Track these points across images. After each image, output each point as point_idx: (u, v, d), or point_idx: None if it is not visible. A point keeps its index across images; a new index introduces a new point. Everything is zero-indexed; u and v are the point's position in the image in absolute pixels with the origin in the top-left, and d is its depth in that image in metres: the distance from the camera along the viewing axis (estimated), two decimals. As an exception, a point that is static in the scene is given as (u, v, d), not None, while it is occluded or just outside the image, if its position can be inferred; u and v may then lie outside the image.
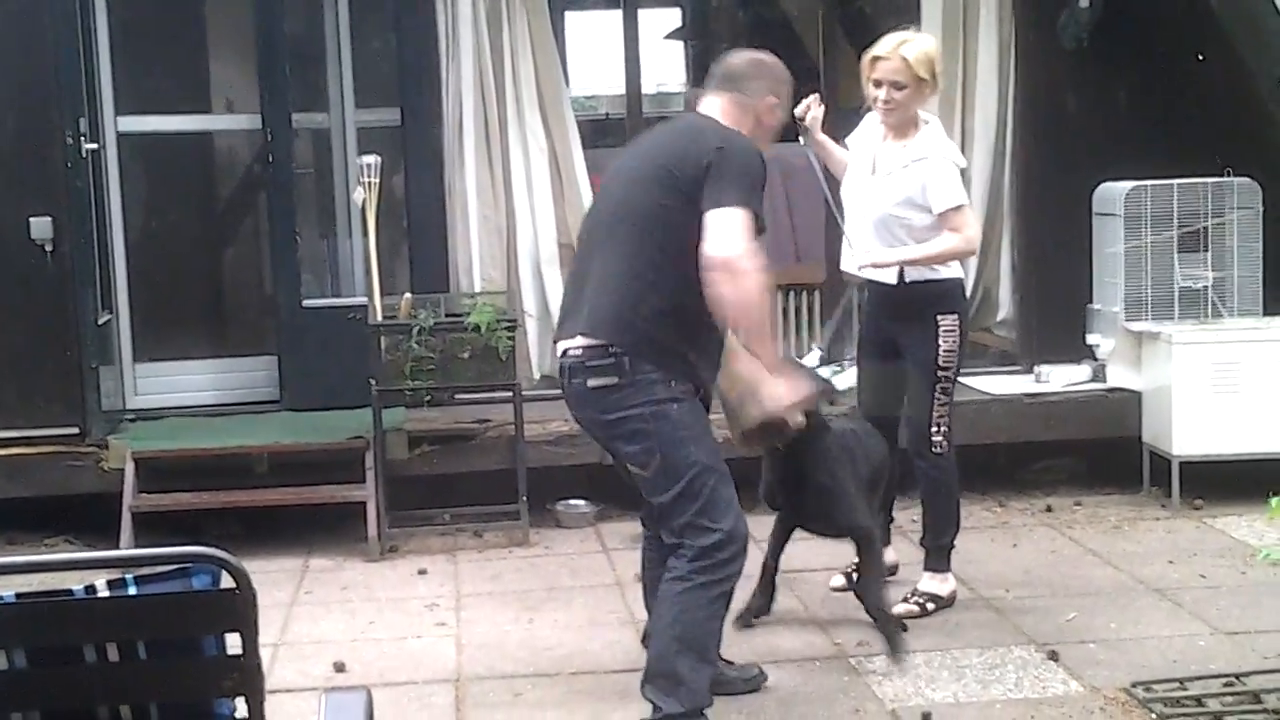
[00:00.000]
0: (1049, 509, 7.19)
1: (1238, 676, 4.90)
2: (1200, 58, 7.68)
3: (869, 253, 5.59)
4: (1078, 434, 7.44)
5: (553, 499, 7.24)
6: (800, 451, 5.14)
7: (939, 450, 5.70)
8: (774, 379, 4.61)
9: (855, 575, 5.90)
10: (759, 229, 4.39)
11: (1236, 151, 7.52)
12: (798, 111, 5.65)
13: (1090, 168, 7.58)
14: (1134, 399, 7.36)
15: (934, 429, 5.67)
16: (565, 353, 4.55)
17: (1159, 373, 7.17)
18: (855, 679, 5.10)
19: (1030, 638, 5.44)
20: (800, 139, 5.93)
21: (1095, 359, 7.59)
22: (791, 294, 8.18)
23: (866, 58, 5.58)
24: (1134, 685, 4.88)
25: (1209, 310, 7.41)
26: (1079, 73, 7.72)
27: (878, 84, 5.52)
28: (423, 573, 6.52)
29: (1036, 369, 7.64)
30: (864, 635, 5.47)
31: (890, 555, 6.01)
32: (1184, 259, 7.43)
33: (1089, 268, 7.62)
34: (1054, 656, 5.22)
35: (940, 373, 5.62)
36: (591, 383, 4.46)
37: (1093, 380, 7.54)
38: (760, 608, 5.60)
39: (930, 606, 5.74)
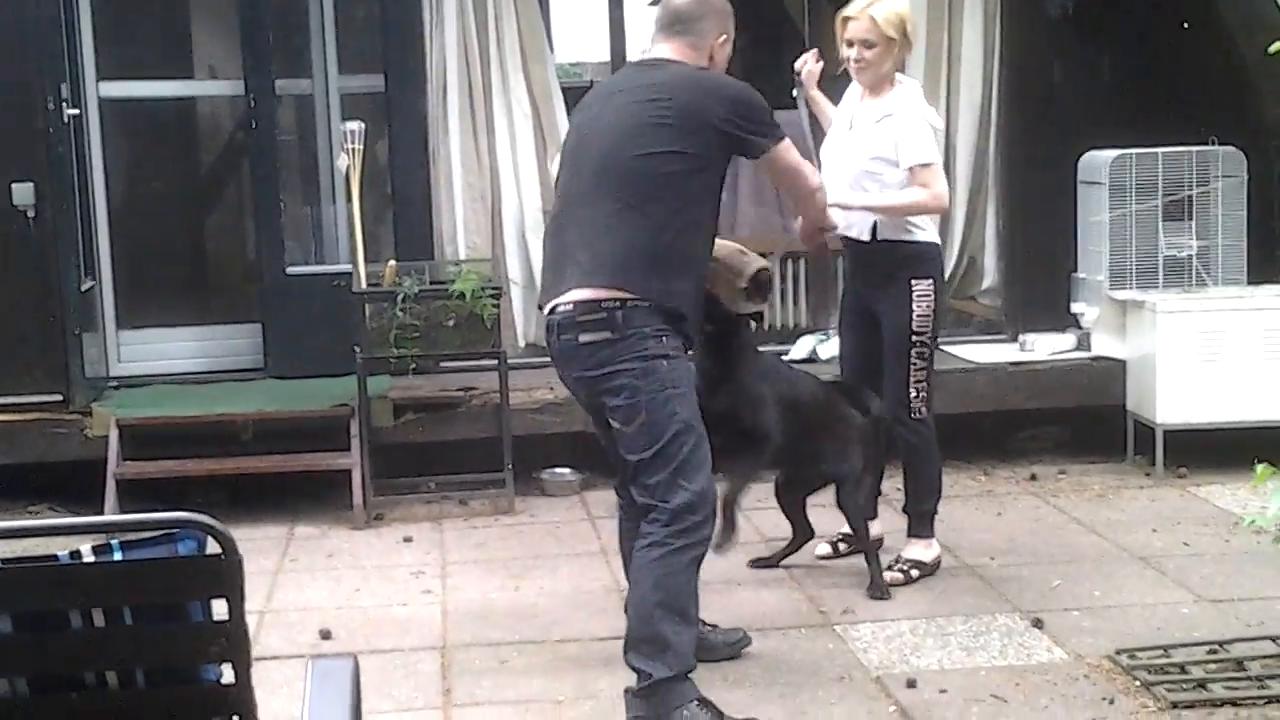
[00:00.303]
0: (1033, 477, 7.21)
1: (1221, 644, 4.91)
2: (1185, 25, 7.67)
3: (837, 193, 5.58)
4: (1062, 402, 7.46)
5: (538, 467, 7.24)
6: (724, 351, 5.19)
7: (917, 416, 5.71)
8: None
9: (842, 544, 5.93)
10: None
11: (1221, 120, 7.52)
12: (796, 65, 5.82)
13: (1075, 136, 7.58)
14: (1118, 367, 7.37)
15: (912, 394, 5.68)
16: (554, 309, 4.52)
17: (1143, 341, 7.18)
18: (841, 646, 5.11)
19: (1015, 605, 5.45)
20: (794, 92, 5.97)
21: (1080, 327, 7.60)
22: (777, 263, 8.15)
23: (839, 18, 5.67)
24: (1118, 652, 4.89)
25: (1193, 279, 7.42)
26: (1064, 40, 7.72)
27: (849, 44, 5.60)
28: (408, 540, 6.52)
29: (1021, 337, 7.65)
30: (849, 603, 5.48)
31: (876, 527, 6.03)
32: (1169, 227, 7.43)
33: (1074, 236, 7.62)
34: (1039, 624, 5.23)
35: (915, 338, 5.63)
36: (583, 338, 4.44)
37: (1077, 349, 7.56)
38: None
39: (915, 574, 5.75)
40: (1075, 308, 7.63)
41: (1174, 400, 7.04)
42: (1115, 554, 6.05)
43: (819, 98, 5.93)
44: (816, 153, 5.85)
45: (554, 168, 5.12)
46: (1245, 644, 4.90)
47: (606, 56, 8.21)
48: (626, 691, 4.51)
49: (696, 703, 4.43)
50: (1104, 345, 7.47)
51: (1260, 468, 4.40)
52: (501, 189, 7.73)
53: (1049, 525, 6.48)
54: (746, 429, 5.22)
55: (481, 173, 7.71)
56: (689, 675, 4.46)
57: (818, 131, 5.97)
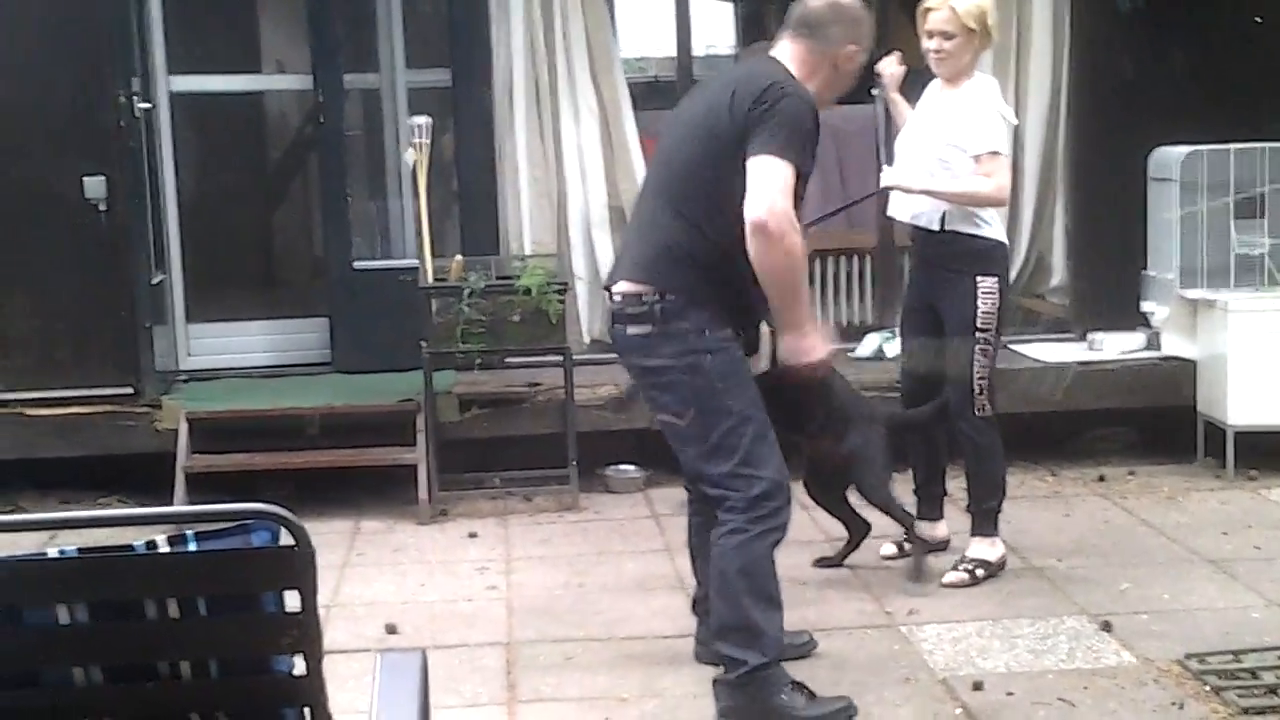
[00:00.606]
0: (1102, 478, 7.14)
1: (1293, 648, 4.86)
2: (1258, 20, 7.58)
3: (898, 175, 5.61)
4: (1131, 403, 7.38)
5: (602, 463, 7.24)
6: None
7: (981, 413, 5.69)
8: (796, 335, 4.50)
9: (907, 544, 5.90)
10: (800, 186, 4.34)
11: (1295, 117, 7.43)
12: (878, 66, 5.82)
13: (1145, 132, 7.50)
14: (1188, 367, 7.29)
15: (976, 390, 5.67)
16: (612, 298, 4.58)
17: (1214, 341, 7.10)
18: (906, 647, 5.09)
19: (1083, 608, 5.41)
20: (873, 91, 6.02)
21: (1149, 326, 7.52)
22: (843, 260, 8.14)
23: (920, 9, 5.67)
24: (1188, 657, 4.85)
25: (1265, 278, 7.32)
26: (1135, 35, 7.64)
27: (929, 35, 5.61)
28: (473, 536, 6.54)
29: (1090, 336, 7.58)
30: (915, 604, 5.45)
31: (941, 529, 6.01)
32: (1240, 225, 7.33)
33: (1144, 234, 7.54)
34: (1107, 627, 5.19)
35: (980, 334, 5.62)
36: (630, 330, 4.49)
37: (1147, 348, 7.48)
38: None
39: (980, 573, 5.72)
40: (1145, 306, 7.56)
41: (1245, 401, 6.96)
42: (1185, 557, 5.98)
43: (898, 99, 5.95)
44: (889, 149, 5.84)
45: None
46: (1318, 649, 4.85)
47: (673, 51, 8.20)
48: (716, 682, 4.51)
49: (791, 686, 4.45)
50: (1174, 345, 7.40)
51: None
52: (567, 185, 7.73)
53: (1117, 527, 6.42)
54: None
55: (547, 168, 7.72)
56: (780, 661, 4.47)
57: (893, 131, 5.97)
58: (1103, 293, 7.76)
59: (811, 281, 4.92)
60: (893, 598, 5.53)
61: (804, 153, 4.34)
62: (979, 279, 5.60)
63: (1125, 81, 7.67)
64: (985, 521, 5.82)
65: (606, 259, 7.71)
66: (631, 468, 7.25)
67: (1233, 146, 7.27)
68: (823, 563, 5.92)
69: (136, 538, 2.65)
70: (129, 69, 7.07)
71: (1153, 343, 7.48)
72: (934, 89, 5.78)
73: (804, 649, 5.01)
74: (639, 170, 7.74)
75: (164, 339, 7.46)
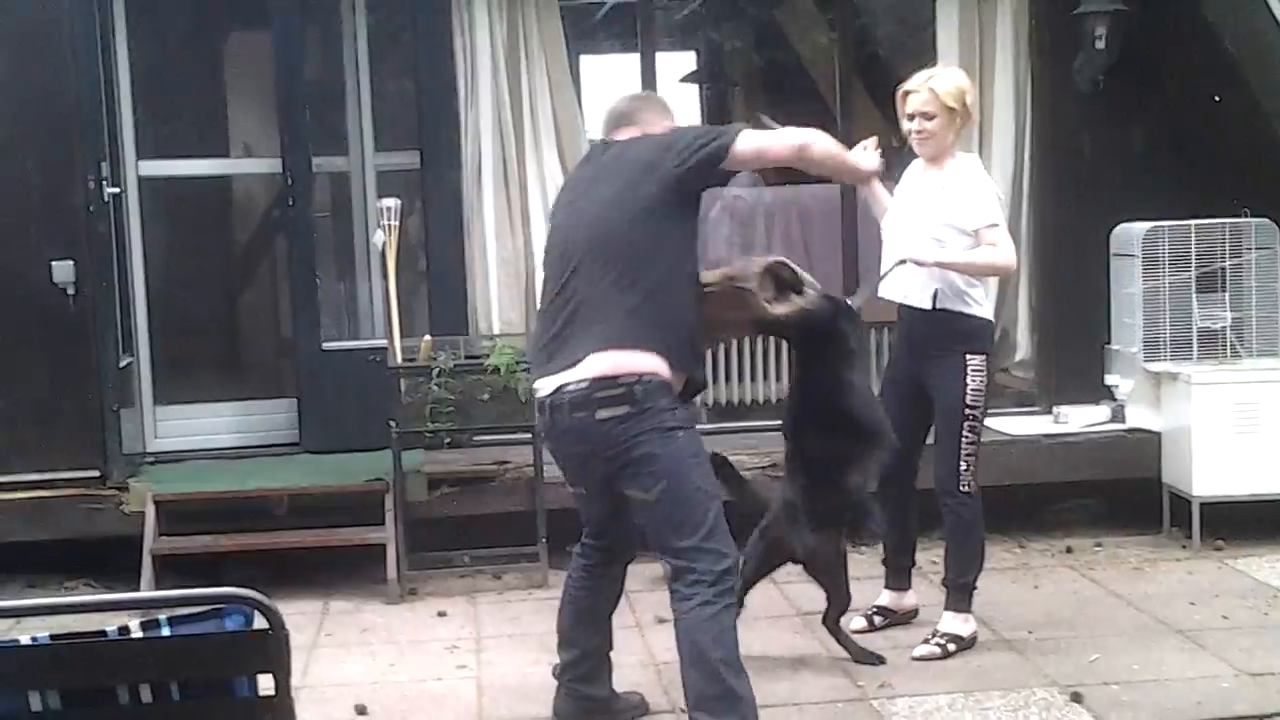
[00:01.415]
0: (1069, 550, 7.18)
1: (1262, 718, 4.88)
2: (1216, 99, 7.70)
3: (912, 250, 5.65)
4: (1097, 474, 7.43)
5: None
6: None
7: (966, 489, 5.73)
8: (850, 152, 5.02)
9: (877, 618, 5.91)
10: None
11: (1253, 192, 7.54)
12: (856, 150, 5.76)
13: (1107, 208, 7.60)
14: (1153, 439, 7.35)
15: (962, 466, 5.71)
16: (561, 388, 4.56)
17: (1178, 413, 7.17)
18: (878, 721, 5.09)
19: (1053, 679, 5.42)
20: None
21: (1114, 399, 7.59)
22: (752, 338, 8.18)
23: (899, 93, 5.77)
24: (1159, 727, 4.87)
25: (1227, 351, 7.41)
26: (1095, 114, 7.75)
27: (910, 117, 5.70)
28: (442, 615, 6.52)
29: (1055, 409, 7.64)
30: (886, 677, 5.46)
31: (910, 599, 6.03)
32: (1202, 299, 7.43)
33: (1107, 308, 7.63)
34: (1077, 698, 5.20)
35: (968, 411, 5.67)
36: (600, 414, 4.51)
37: (1112, 421, 7.55)
38: None
39: (951, 647, 5.74)
40: (1109, 380, 7.63)
41: (1210, 472, 7.01)
42: (1153, 627, 6.01)
43: (876, 187, 5.94)
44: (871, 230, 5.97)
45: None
46: (1287, 718, 4.87)
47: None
48: None
49: None
50: (1139, 417, 7.46)
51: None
52: (535, 264, 7.75)
53: (1086, 598, 6.45)
54: (864, 427, 5.31)
55: (516, 248, 7.76)
56: None
57: (875, 215, 6.03)
58: (1067, 366, 7.83)
59: (766, 292, 4.92)
60: (864, 672, 5.54)
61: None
62: (968, 357, 5.66)
63: (1086, 159, 7.78)
64: (960, 596, 5.84)
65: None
66: (601, 545, 7.23)
67: (1193, 222, 7.37)
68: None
69: (107, 622, 2.65)
70: (98, 153, 7.09)
71: (1118, 415, 7.54)
72: (916, 170, 5.86)
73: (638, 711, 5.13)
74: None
75: (131, 421, 7.44)
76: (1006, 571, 6.84)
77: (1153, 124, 7.69)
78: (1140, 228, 7.39)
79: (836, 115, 8.20)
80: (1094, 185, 7.71)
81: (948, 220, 5.63)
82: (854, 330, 5.33)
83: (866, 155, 5.13)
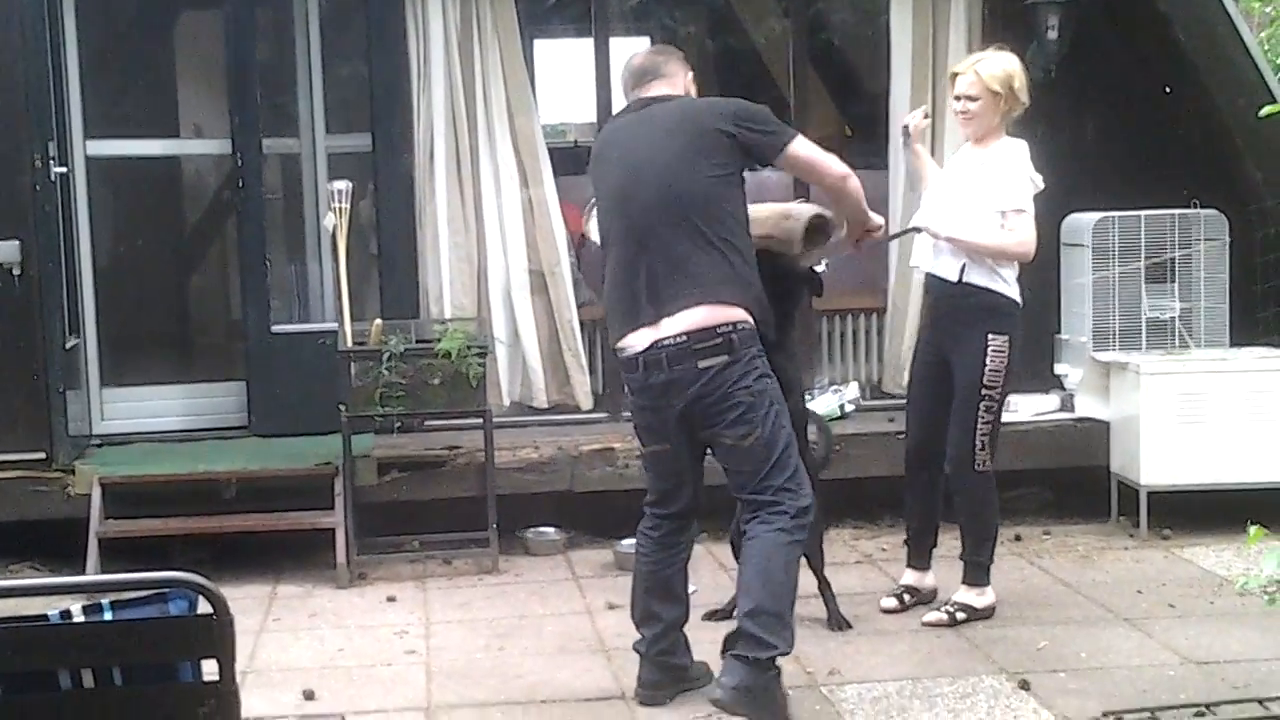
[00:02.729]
0: (1018, 538, 7.21)
1: (1208, 706, 4.90)
2: (1168, 90, 7.74)
3: (928, 221, 5.87)
4: (1046, 463, 7.47)
5: (522, 526, 7.22)
6: None
7: (980, 468, 5.87)
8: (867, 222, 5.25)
9: (906, 596, 6.07)
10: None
11: (1203, 183, 7.59)
12: (905, 119, 6.21)
13: (1058, 198, 7.56)
14: (1102, 429, 7.40)
15: (977, 445, 5.84)
16: (655, 344, 4.74)
17: (1127, 403, 7.21)
18: (827, 707, 5.10)
19: (1001, 666, 5.44)
20: (903, 140, 6.31)
21: (1063, 389, 7.63)
22: (837, 319, 8.33)
23: (949, 74, 6.07)
24: (1105, 714, 4.88)
25: (1176, 341, 7.46)
26: (1047, 104, 7.73)
27: (957, 98, 5.90)
28: (392, 600, 6.49)
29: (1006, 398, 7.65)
30: (835, 663, 5.47)
31: (929, 579, 6.19)
32: (1151, 290, 7.49)
33: (1057, 298, 7.66)
34: (1025, 685, 5.23)
35: (985, 390, 5.79)
36: (702, 364, 4.71)
37: (1061, 410, 7.58)
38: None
39: (961, 616, 5.90)
40: (1059, 369, 7.66)
41: (1157, 462, 7.06)
42: (1101, 615, 6.05)
43: (921, 151, 6.22)
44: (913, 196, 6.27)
45: (592, 225, 5.30)
46: (1232, 706, 4.89)
47: (592, 117, 8.24)
48: (735, 657, 4.70)
49: None
50: (1088, 406, 7.50)
51: (1254, 529, 4.40)
52: (488, 248, 7.74)
53: (1034, 586, 6.48)
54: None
55: (468, 232, 7.73)
56: None
57: (917, 182, 6.24)
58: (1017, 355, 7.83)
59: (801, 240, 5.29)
60: (814, 658, 5.55)
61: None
62: (990, 336, 5.78)
63: (1037, 149, 7.75)
64: (977, 572, 6.00)
65: (527, 322, 7.74)
66: (551, 530, 7.24)
67: (1143, 213, 7.42)
68: (714, 615, 5.91)
69: (50, 606, 2.62)
70: (45, 132, 7.00)
71: (1067, 405, 7.58)
72: (964, 149, 6.04)
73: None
74: (559, 234, 7.79)
75: (78, 403, 7.37)
76: (956, 560, 6.84)
77: (1104, 114, 7.73)
78: (1090, 218, 7.43)
79: (790, 102, 8.20)
80: (1044, 174, 7.71)
81: (978, 198, 5.79)
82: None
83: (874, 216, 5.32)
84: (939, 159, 7.90)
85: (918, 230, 6.00)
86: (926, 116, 6.21)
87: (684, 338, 4.71)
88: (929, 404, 5.99)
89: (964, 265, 5.79)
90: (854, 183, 5.08)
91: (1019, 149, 5.92)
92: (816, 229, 5.27)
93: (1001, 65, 5.87)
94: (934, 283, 5.97)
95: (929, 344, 6.06)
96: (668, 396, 4.80)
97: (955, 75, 5.96)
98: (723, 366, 4.70)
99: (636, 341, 4.79)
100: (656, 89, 4.99)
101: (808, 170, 5.09)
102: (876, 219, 5.33)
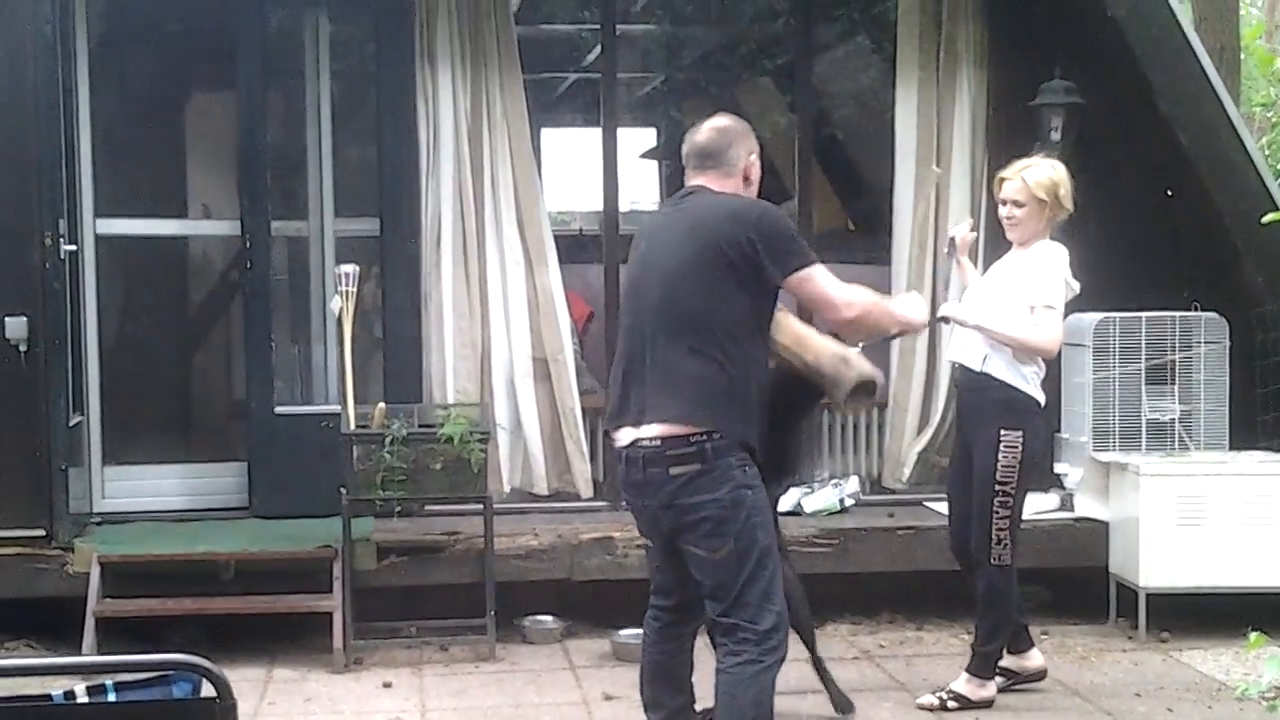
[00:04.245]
0: (1016, 637, 7.17)
1: (1206, 811, 4.89)
2: (1169, 193, 7.80)
3: (955, 310, 6.00)
4: (1045, 563, 7.44)
5: (520, 614, 7.20)
6: None
7: (996, 562, 5.93)
8: (901, 305, 5.07)
9: (951, 701, 6.05)
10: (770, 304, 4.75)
11: (1204, 286, 7.64)
12: (952, 231, 6.37)
13: (1060, 298, 7.65)
14: (1101, 529, 7.39)
15: (994, 540, 5.91)
16: (635, 443, 4.68)
17: (1126, 503, 7.21)
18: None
19: (998, 767, 5.42)
20: (946, 251, 6.49)
21: (1063, 488, 7.63)
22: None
23: (996, 176, 6.11)
24: (1103, 818, 4.86)
25: (1176, 442, 7.48)
26: (1050, 204, 7.82)
27: (1002, 202, 5.99)
28: (388, 686, 6.46)
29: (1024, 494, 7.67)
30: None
31: (1035, 659, 6.30)
32: (1151, 391, 7.51)
33: (1057, 397, 7.68)
34: (1022, 787, 5.21)
35: (998, 486, 5.87)
36: (674, 471, 4.61)
37: (1060, 509, 7.58)
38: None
39: (952, 705, 5.97)
40: (1059, 468, 7.67)
41: (1157, 563, 7.05)
42: (1098, 718, 6.02)
43: (965, 263, 6.34)
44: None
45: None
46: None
47: (599, 205, 8.31)
48: None
49: None
50: (1087, 506, 7.50)
51: (1254, 635, 4.40)
52: (492, 334, 7.78)
53: (1032, 686, 6.43)
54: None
55: (473, 319, 7.76)
56: None
57: (961, 293, 6.40)
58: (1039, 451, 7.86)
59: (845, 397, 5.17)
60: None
61: (812, 251, 4.76)
62: (1003, 432, 5.84)
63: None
64: (981, 663, 6.05)
65: (530, 409, 7.76)
66: (549, 619, 7.22)
67: (1144, 314, 7.45)
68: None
69: (49, 686, 2.62)
70: (56, 210, 7.06)
71: (1066, 504, 7.58)
72: (1008, 254, 6.11)
73: None
74: (563, 322, 7.83)
75: (79, 481, 7.37)
76: (954, 658, 6.82)
77: (1105, 215, 7.78)
78: (1091, 318, 7.46)
79: (794, 195, 8.27)
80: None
81: (1010, 291, 5.89)
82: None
83: (916, 306, 5.15)
84: (939, 248, 7.99)
85: (945, 320, 6.12)
86: (973, 230, 6.24)
87: (659, 442, 4.62)
88: (959, 492, 6.15)
89: (986, 355, 5.89)
90: (867, 320, 4.86)
91: (1058, 252, 6.01)
92: (865, 389, 5.12)
93: (1047, 173, 5.95)
94: (959, 372, 6.11)
95: (958, 435, 6.22)
96: (644, 496, 4.75)
97: (1002, 180, 6.03)
98: (694, 475, 4.58)
99: (622, 436, 4.76)
100: (705, 179, 4.86)
101: (811, 302, 4.84)
102: (915, 318, 5.10)
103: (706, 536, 4.61)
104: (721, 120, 4.93)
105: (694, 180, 4.88)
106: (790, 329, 5.10)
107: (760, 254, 4.60)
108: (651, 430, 4.63)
